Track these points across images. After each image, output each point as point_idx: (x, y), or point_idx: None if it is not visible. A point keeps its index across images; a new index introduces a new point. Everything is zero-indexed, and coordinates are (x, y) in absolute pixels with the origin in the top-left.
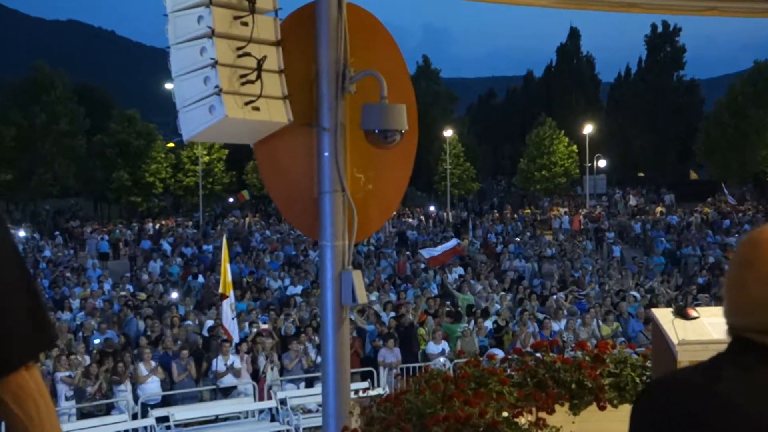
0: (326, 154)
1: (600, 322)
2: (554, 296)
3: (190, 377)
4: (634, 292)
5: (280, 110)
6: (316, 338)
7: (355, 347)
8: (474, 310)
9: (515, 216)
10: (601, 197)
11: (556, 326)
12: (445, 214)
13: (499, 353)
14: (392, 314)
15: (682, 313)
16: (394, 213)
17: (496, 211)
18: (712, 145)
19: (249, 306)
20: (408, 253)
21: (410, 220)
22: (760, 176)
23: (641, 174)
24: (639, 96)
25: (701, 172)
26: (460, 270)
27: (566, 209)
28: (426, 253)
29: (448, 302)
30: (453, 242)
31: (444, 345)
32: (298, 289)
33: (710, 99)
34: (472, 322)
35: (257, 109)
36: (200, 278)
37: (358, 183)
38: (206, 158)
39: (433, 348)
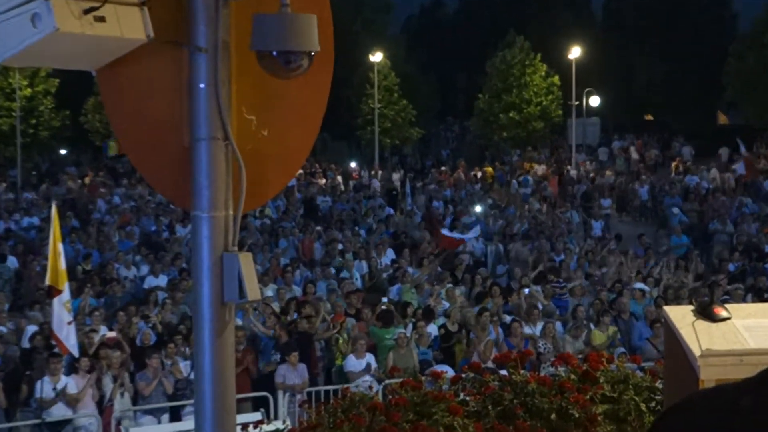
0: (202, 85)
1: (591, 326)
2: (526, 290)
3: None
4: (639, 284)
5: (135, 22)
6: (188, 350)
7: (246, 363)
8: (413, 309)
9: (474, 176)
10: (593, 150)
11: (528, 331)
12: (372, 172)
13: (449, 370)
14: (296, 315)
15: (706, 313)
16: (300, 171)
17: (444, 168)
18: (747, 78)
19: (89, 305)
20: (318, 228)
21: (322, 181)
22: None
23: (649, 117)
24: (646, 8)
25: (733, 116)
26: (391, 253)
27: (544, 166)
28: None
29: (384, 299)
30: (475, 231)
31: (370, 359)
32: (161, 280)
33: (746, 15)
34: (410, 326)
35: (101, 19)
36: (15, 263)
37: (249, 128)
38: (27, 91)
39: (354, 364)
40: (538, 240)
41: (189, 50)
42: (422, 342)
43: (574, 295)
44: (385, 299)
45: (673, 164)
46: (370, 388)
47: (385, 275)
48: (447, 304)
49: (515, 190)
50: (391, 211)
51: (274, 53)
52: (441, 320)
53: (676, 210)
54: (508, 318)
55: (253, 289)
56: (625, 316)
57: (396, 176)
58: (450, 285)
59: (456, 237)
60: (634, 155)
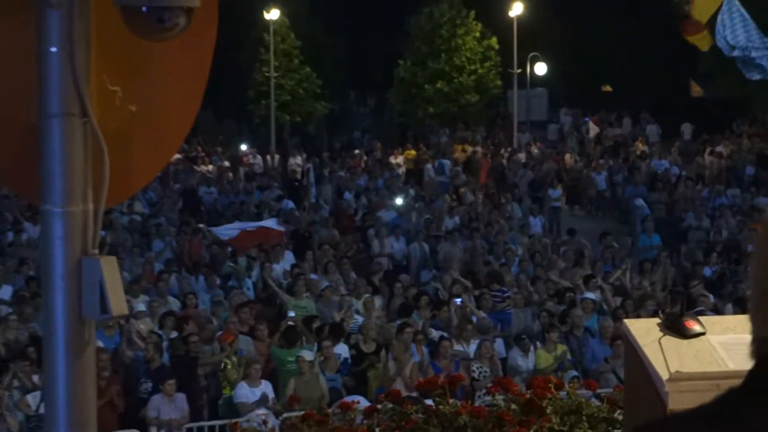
0: (53, 49)
1: (536, 344)
2: (457, 300)
3: None
4: (590, 294)
5: None
6: (36, 379)
7: (111, 394)
8: (318, 325)
9: (392, 161)
10: (541, 127)
11: (460, 350)
12: (268, 158)
13: (361, 400)
14: (174, 334)
15: (676, 327)
16: (177, 156)
17: (357, 152)
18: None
19: None
20: (202, 225)
21: (206, 167)
22: None
23: (607, 89)
24: None
25: (709, 87)
26: (290, 257)
27: (480, 147)
28: (224, 231)
29: (291, 313)
30: (270, 221)
31: (266, 387)
32: (5, 292)
33: None
34: (315, 346)
35: None
36: None
37: (112, 102)
38: None
39: (246, 393)
40: (473, 239)
41: (37, 5)
42: (328, 366)
43: (516, 305)
44: (292, 313)
45: (637, 145)
46: (264, 423)
47: (283, 284)
48: (360, 319)
49: (429, 177)
50: (292, 204)
51: (144, 9)
52: (353, 338)
53: (640, 202)
54: (435, 334)
55: (118, 302)
56: (578, 332)
57: (297, 162)
58: (368, 296)
59: (235, 232)
60: (591, 133)
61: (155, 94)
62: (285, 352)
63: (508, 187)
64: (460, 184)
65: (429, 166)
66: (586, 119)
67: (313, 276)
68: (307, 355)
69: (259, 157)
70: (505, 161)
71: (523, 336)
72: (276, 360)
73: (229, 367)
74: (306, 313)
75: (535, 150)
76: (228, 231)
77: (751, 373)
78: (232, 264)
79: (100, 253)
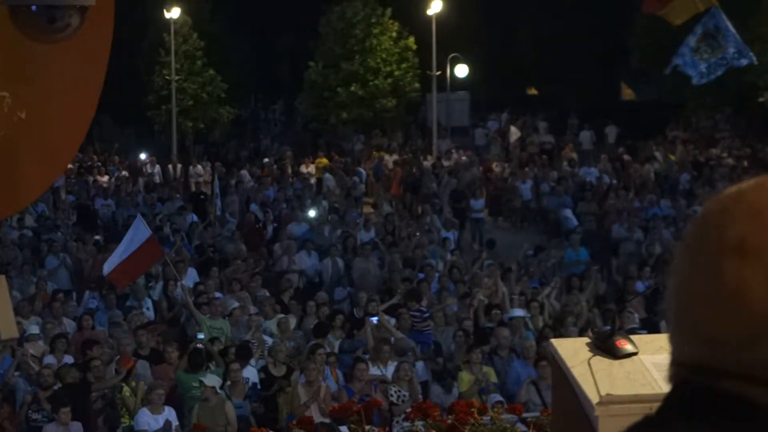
0: None
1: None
2: (374, 319)
3: None
4: (517, 311)
5: None
6: None
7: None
8: (222, 347)
9: (303, 170)
10: (463, 133)
11: (377, 374)
12: (169, 167)
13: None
14: (66, 360)
15: (606, 346)
16: (70, 166)
17: (266, 161)
18: (660, 39)
19: None
20: (98, 238)
21: (102, 178)
22: (746, 93)
23: (533, 92)
24: None
25: (642, 89)
26: (194, 273)
27: (396, 155)
28: (108, 266)
29: (200, 335)
30: (143, 233)
31: (169, 414)
32: None
33: None
34: (222, 370)
35: None
36: None
37: (0, 108)
38: None
39: (148, 421)
40: (390, 254)
41: None
42: (236, 391)
43: (435, 323)
44: (201, 335)
45: (565, 151)
46: None
47: (184, 300)
48: (270, 340)
49: (328, 189)
50: (194, 218)
51: (34, 8)
52: (261, 361)
53: (568, 213)
54: (348, 358)
55: (7, 325)
56: (503, 353)
57: (200, 171)
58: (282, 315)
59: (117, 261)
60: (513, 137)
61: (47, 100)
62: (190, 376)
63: (426, 198)
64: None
65: (327, 174)
66: (508, 124)
67: (217, 294)
68: (210, 380)
69: (158, 166)
70: (418, 170)
71: (445, 372)
72: (181, 385)
73: (126, 394)
74: (222, 335)
75: (463, 157)
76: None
77: (666, 401)
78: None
79: None
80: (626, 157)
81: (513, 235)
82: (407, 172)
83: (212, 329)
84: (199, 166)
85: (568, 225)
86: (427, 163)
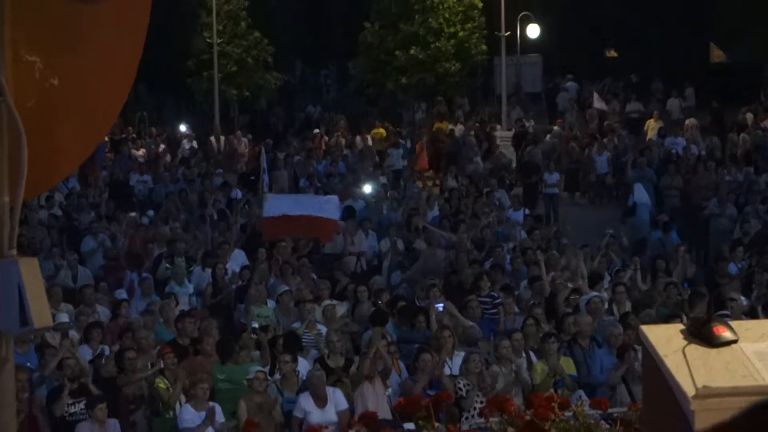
0: None
1: (531, 356)
2: (439, 306)
3: None
4: (595, 293)
5: None
6: None
7: (34, 415)
8: (270, 336)
9: (358, 141)
10: (532, 101)
11: (446, 369)
12: (211, 139)
13: (331, 424)
14: (102, 349)
15: (703, 334)
16: (107, 138)
17: (317, 131)
18: None
19: None
20: (134, 215)
21: (138, 152)
22: None
23: (612, 54)
24: None
25: (735, 49)
26: (241, 256)
27: (461, 126)
28: (272, 207)
29: (254, 324)
30: (333, 201)
31: (214, 409)
32: None
33: None
34: (260, 362)
35: None
36: None
37: (30, 75)
38: None
39: (192, 416)
40: (457, 233)
41: None
42: (287, 385)
43: (506, 310)
44: (256, 324)
45: (649, 122)
46: None
47: (233, 287)
48: (324, 329)
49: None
50: (240, 194)
51: None
52: (314, 353)
53: (640, 188)
54: (409, 348)
55: (40, 312)
56: (584, 342)
57: (245, 143)
58: (329, 302)
59: (296, 214)
60: (596, 106)
61: (82, 66)
62: (229, 368)
63: (494, 171)
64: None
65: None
66: (588, 91)
67: (272, 281)
68: (255, 372)
69: (195, 141)
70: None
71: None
72: (220, 378)
73: (161, 385)
74: (267, 323)
75: (529, 126)
76: (278, 205)
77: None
78: (168, 265)
79: (19, 254)
80: (716, 125)
81: (591, 212)
82: (441, 143)
83: (259, 318)
84: (244, 140)
85: (633, 199)
86: (498, 133)
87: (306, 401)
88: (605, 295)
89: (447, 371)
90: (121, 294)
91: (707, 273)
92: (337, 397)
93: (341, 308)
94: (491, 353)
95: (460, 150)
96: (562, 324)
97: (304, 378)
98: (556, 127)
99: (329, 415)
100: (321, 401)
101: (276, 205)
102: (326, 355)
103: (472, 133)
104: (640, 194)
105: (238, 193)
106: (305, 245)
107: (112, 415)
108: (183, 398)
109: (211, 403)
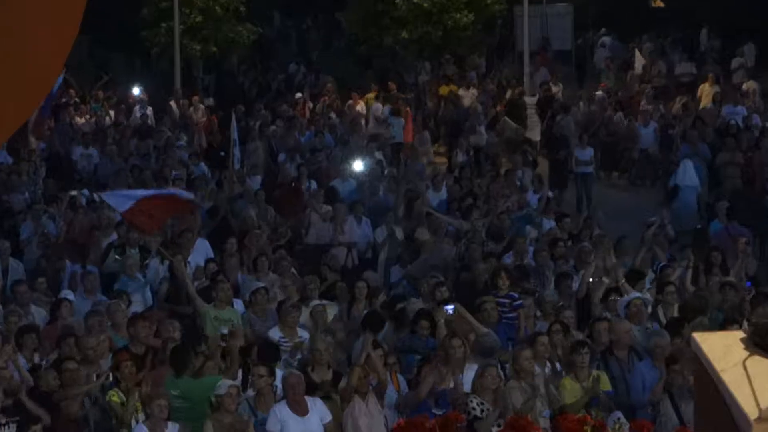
0: None
1: (558, 369)
2: (449, 308)
3: None
4: (637, 294)
5: None
6: None
7: None
8: (248, 345)
9: (348, 109)
10: (561, 60)
11: (454, 385)
12: (172, 104)
13: None
14: (43, 361)
15: (767, 343)
16: (46, 102)
17: (299, 96)
18: None
19: None
20: (74, 194)
21: (81, 120)
22: None
23: (658, 3)
24: None
25: None
26: (205, 246)
27: (474, 90)
28: (118, 197)
29: (223, 330)
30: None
31: None
32: None
33: None
34: (239, 375)
35: None
36: None
37: None
38: None
39: None
40: (469, 220)
41: None
42: (263, 403)
43: (528, 317)
44: (224, 329)
45: (704, 86)
46: None
47: (195, 285)
48: (305, 335)
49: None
50: (206, 171)
51: None
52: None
53: (686, 166)
54: (410, 359)
55: None
56: (622, 353)
57: (207, 108)
58: (318, 302)
59: (130, 200)
60: (637, 66)
61: (17, 19)
62: (186, 382)
63: (512, 145)
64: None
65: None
66: (628, 46)
67: (239, 277)
68: (227, 387)
69: (149, 108)
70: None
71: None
72: (174, 393)
73: (115, 399)
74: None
75: (556, 90)
76: (122, 198)
77: None
78: (118, 256)
79: None
80: None
81: (632, 195)
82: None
83: (217, 321)
84: (201, 107)
85: (677, 181)
86: (530, 99)
87: (282, 410)
88: (648, 296)
89: (456, 387)
90: (67, 294)
91: None
92: (318, 407)
93: (332, 310)
94: (510, 365)
95: (467, 119)
96: (596, 331)
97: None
98: (599, 92)
99: (311, 426)
100: (300, 409)
101: (122, 197)
102: (310, 368)
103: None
104: (685, 174)
105: (203, 170)
106: (284, 233)
107: None
108: (141, 416)
109: (170, 425)
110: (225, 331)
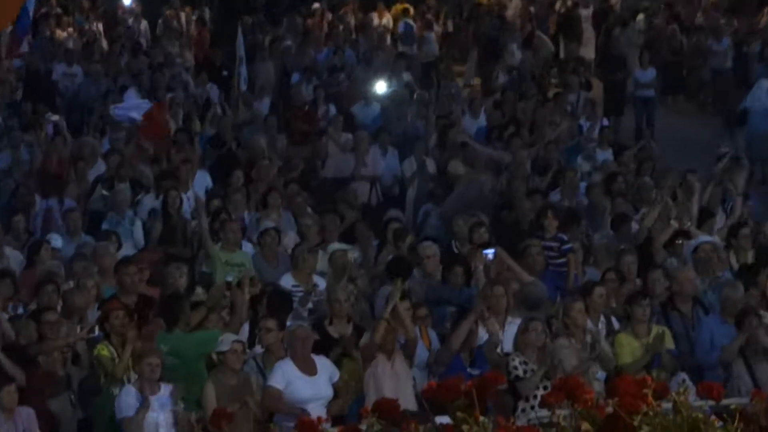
0: None
1: (614, 324)
2: (489, 252)
3: None
4: (707, 237)
5: None
6: None
7: None
8: (259, 294)
9: (373, 20)
10: None
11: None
12: (169, 16)
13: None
14: (19, 309)
15: None
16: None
17: (315, 6)
18: None
19: None
20: (55, 119)
21: (63, 33)
22: None
23: None
24: None
25: None
26: (205, 178)
27: None
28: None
29: (229, 278)
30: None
31: (165, 395)
32: None
33: None
34: (245, 328)
35: None
36: None
37: None
38: None
39: (134, 403)
40: (511, 152)
41: None
42: (272, 361)
43: (581, 263)
44: (230, 277)
45: None
46: None
47: (194, 223)
48: (321, 284)
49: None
50: (213, 93)
51: None
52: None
53: (761, 87)
54: (442, 311)
55: None
56: (687, 306)
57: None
58: (338, 245)
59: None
60: None
61: None
62: (177, 337)
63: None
64: None
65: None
66: None
67: (245, 215)
68: (230, 343)
69: (144, 21)
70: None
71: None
72: (164, 349)
73: (104, 353)
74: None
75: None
76: (132, 109)
77: None
78: (106, 192)
79: None
80: None
81: (700, 123)
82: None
83: (228, 266)
84: (183, 14)
85: (749, 103)
86: (585, 12)
87: (287, 367)
88: (719, 240)
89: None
90: (56, 240)
91: None
92: (326, 365)
93: (354, 254)
94: (558, 320)
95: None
96: (651, 280)
97: None
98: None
99: (320, 386)
100: (308, 367)
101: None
102: (327, 321)
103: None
104: (758, 96)
105: (214, 93)
106: (297, 165)
107: (27, 402)
108: (134, 375)
109: (163, 386)
110: (231, 278)
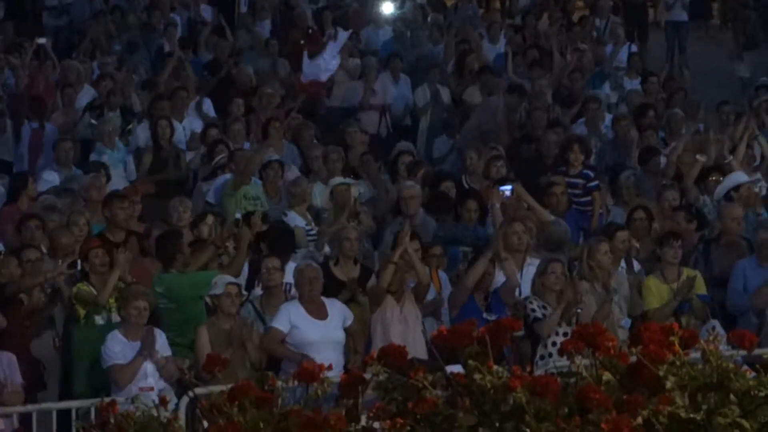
0: None
1: (640, 267)
2: (506, 188)
3: None
4: (742, 175)
5: None
6: None
7: None
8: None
9: None
10: None
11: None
12: None
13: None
14: None
15: None
16: None
17: None
18: None
19: None
20: (42, 42)
21: None
22: None
23: None
24: None
25: None
26: (206, 105)
27: None
28: None
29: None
30: None
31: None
32: None
33: None
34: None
35: None
36: None
37: None
38: None
39: (122, 350)
40: (532, 80)
41: None
42: (272, 305)
43: (607, 201)
44: (238, 214)
45: None
46: (162, 401)
47: (189, 158)
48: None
49: None
50: (207, 14)
51: None
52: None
53: None
54: (455, 252)
55: None
56: (717, 248)
57: None
58: (341, 180)
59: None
60: None
61: None
62: (172, 278)
63: None
64: None
65: None
66: None
67: (246, 147)
68: (224, 285)
69: None
70: None
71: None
72: (158, 291)
73: (84, 288)
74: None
75: None
76: None
77: None
78: (94, 120)
79: None
80: None
81: (735, 51)
82: None
83: (246, 200)
84: None
85: None
86: None
87: (295, 310)
88: (759, 176)
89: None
90: (51, 176)
91: None
92: (338, 308)
93: (359, 189)
94: (581, 262)
95: None
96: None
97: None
98: None
99: (332, 331)
100: (318, 310)
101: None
102: (333, 262)
103: None
104: None
105: (208, 14)
106: (300, 93)
107: (8, 344)
108: (115, 315)
109: (153, 330)
110: (239, 215)
